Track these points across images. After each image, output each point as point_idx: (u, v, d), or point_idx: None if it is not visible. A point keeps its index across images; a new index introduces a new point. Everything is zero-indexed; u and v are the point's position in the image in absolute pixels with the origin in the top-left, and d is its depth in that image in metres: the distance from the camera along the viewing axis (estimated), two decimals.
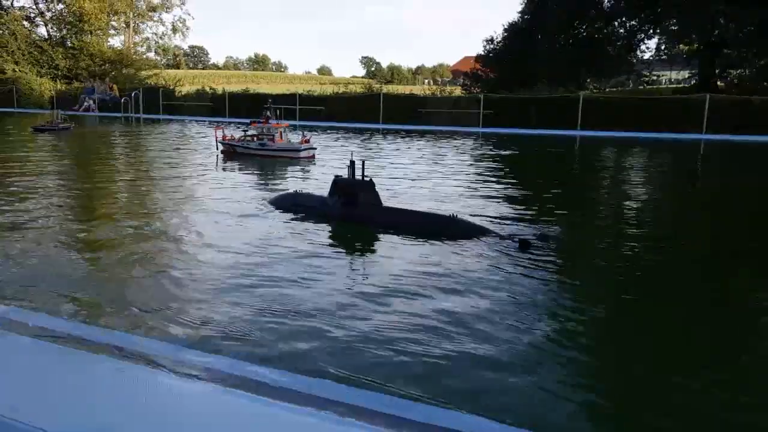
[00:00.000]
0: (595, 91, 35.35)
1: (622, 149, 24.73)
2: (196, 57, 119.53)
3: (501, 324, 5.30)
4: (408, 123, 33.29)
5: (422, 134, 29.83)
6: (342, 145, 23.48)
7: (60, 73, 51.59)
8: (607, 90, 36.46)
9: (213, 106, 40.87)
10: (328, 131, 30.55)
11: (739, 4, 27.14)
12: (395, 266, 7.01)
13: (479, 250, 7.76)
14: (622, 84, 37.85)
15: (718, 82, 33.30)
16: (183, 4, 59.88)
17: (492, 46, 41.41)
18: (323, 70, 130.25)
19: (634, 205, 12.50)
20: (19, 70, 49.57)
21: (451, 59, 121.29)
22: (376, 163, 17.43)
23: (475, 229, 8.55)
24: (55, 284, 6.17)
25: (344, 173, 9.78)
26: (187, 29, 61.35)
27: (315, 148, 18.92)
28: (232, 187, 13.19)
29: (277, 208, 10.20)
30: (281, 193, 11.53)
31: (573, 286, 6.69)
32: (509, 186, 13.86)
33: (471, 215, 9.55)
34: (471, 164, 18.33)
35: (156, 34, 61.45)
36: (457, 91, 42.32)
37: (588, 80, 37.39)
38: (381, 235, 8.54)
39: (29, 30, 53.97)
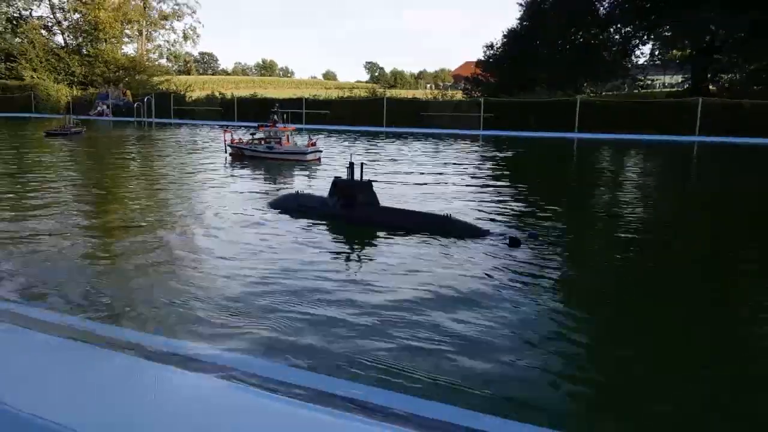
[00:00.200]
0: (591, 95, 35.98)
1: (618, 151, 24.99)
2: (206, 63, 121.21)
3: (500, 324, 5.25)
4: (411, 126, 33.86)
5: (425, 137, 30.26)
6: (347, 147, 23.80)
7: (76, 80, 53.13)
8: (603, 94, 36.96)
9: (222, 110, 41.82)
10: (334, 135, 30.96)
11: (730, 11, 27.93)
12: (392, 265, 7.07)
13: (472, 248, 7.82)
14: (618, 88, 38.34)
15: (710, 86, 33.90)
16: (194, 12, 62.22)
17: (492, 52, 41.99)
18: (328, 75, 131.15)
19: (632, 205, 12.38)
20: (37, 77, 51.10)
21: (453, 64, 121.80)
22: (378, 164, 17.77)
23: (469, 228, 8.69)
24: (67, 283, 6.22)
25: (345, 175, 10.09)
26: (198, 36, 62.96)
27: (321, 151, 19.18)
28: (239, 188, 13.34)
29: (278, 209, 10.38)
30: (283, 194, 11.75)
31: (573, 286, 6.67)
32: (507, 186, 13.98)
33: (466, 215, 9.69)
34: (471, 166, 18.51)
35: (168, 41, 63.71)
36: (459, 95, 42.95)
37: (585, 84, 37.93)
38: (378, 234, 8.64)
39: (47, 38, 55.75)
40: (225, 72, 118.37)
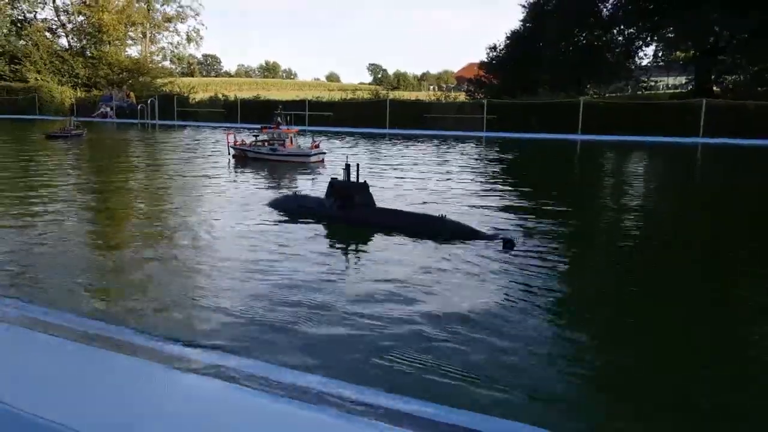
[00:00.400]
0: (595, 96, 35.93)
1: (621, 152, 24.98)
2: (209, 65, 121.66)
3: (498, 325, 5.24)
4: (414, 128, 33.88)
5: (428, 138, 30.30)
6: (350, 148, 23.83)
7: (80, 82, 53.54)
8: (607, 95, 36.96)
9: (225, 112, 42.05)
10: (337, 136, 31.06)
11: (733, 11, 27.89)
12: (387, 264, 7.15)
13: (466, 249, 7.85)
14: (621, 89, 38.27)
15: (714, 88, 33.79)
16: (197, 14, 62.31)
17: (495, 54, 42.08)
18: (331, 77, 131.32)
19: (633, 206, 12.36)
20: (41, 79, 51.52)
21: (456, 66, 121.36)
22: (380, 165, 17.86)
23: (462, 229, 8.75)
24: (68, 284, 6.27)
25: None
26: (201, 39, 63.49)
27: (325, 153, 19.22)
28: (241, 190, 13.47)
29: (277, 209, 10.53)
30: (281, 195, 11.87)
31: (572, 286, 6.67)
32: (507, 187, 14.01)
33: (462, 216, 9.71)
34: (472, 167, 18.55)
35: (171, 43, 64.08)
36: (462, 97, 43.19)
37: (588, 86, 37.95)
38: (374, 235, 8.74)
39: (51, 41, 56.17)
40: (228, 74, 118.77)
